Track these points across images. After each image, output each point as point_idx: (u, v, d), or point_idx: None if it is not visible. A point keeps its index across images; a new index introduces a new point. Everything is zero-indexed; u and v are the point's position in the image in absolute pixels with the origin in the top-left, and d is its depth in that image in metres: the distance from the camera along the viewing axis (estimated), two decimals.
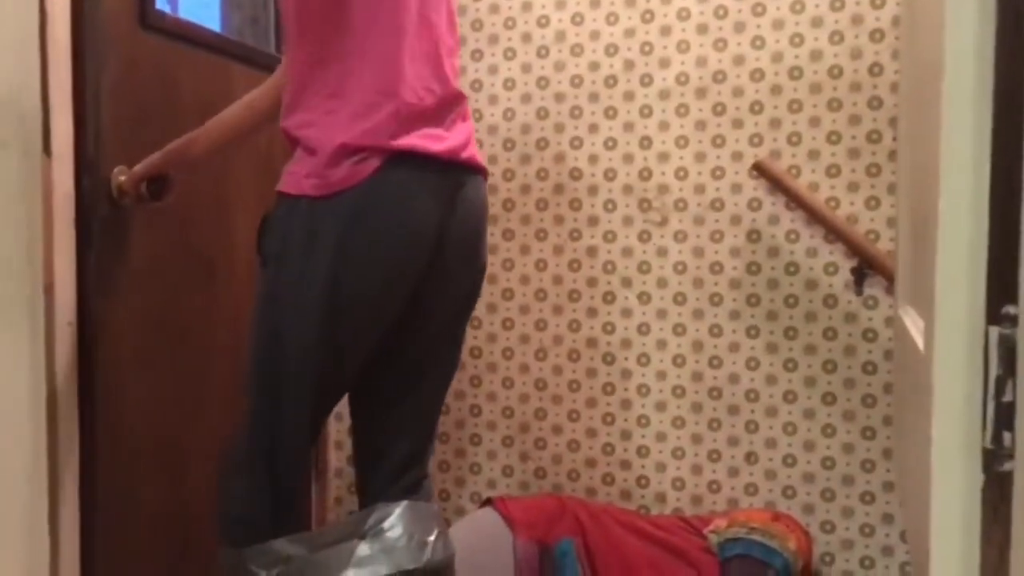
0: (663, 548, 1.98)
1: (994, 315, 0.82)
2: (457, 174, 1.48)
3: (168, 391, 1.85)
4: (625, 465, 2.27)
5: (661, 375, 2.23)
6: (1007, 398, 0.79)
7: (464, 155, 1.49)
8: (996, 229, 0.83)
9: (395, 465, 1.58)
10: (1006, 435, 0.80)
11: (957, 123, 0.82)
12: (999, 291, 0.83)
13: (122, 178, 1.70)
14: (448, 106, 1.48)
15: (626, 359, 2.26)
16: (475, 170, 1.52)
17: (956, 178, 0.81)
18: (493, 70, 2.32)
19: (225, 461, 1.53)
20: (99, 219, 1.67)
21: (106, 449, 1.68)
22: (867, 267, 2.03)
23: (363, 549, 1.47)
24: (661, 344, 2.23)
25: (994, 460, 0.82)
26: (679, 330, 2.21)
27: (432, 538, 1.50)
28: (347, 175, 1.37)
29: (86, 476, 1.64)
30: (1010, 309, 0.79)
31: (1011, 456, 0.79)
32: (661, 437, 2.24)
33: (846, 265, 2.08)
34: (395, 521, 1.49)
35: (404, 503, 1.52)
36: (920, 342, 1.15)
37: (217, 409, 1.97)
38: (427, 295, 1.50)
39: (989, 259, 0.84)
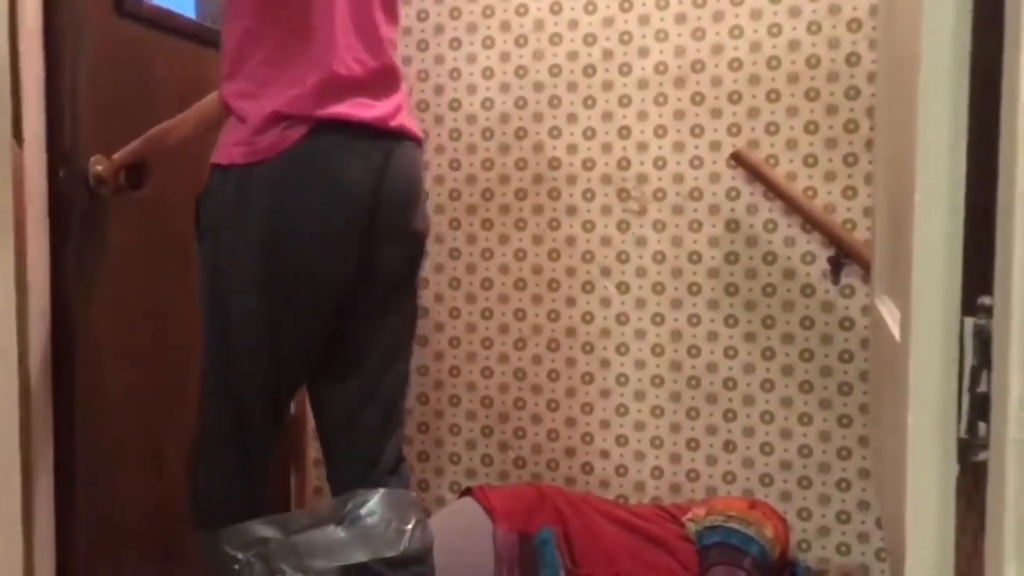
0: (642, 536, 1.99)
1: (970, 306, 0.83)
2: (387, 141, 1.49)
3: (147, 382, 1.84)
4: (604, 454, 2.28)
5: (640, 364, 2.24)
6: (982, 389, 0.80)
7: (394, 123, 1.50)
8: (972, 220, 0.84)
9: (363, 441, 1.57)
10: (981, 425, 0.81)
11: (934, 113, 0.82)
12: (975, 282, 0.84)
13: (99, 167, 1.68)
14: (380, 77, 1.51)
15: (605, 348, 2.26)
16: (406, 137, 1.54)
17: (932, 169, 0.82)
18: (471, 59, 2.31)
19: (194, 446, 1.53)
20: (77, 209, 1.65)
21: (84, 442, 1.67)
22: (844, 256, 2.04)
23: (340, 534, 1.47)
24: (640, 333, 2.23)
25: (969, 450, 0.83)
26: (657, 319, 2.22)
27: (410, 526, 1.51)
28: (274, 142, 1.39)
29: (63, 470, 1.62)
30: (985, 300, 0.79)
31: (985, 446, 0.80)
32: (640, 426, 2.24)
33: (823, 254, 2.09)
34: (373, 508, 1.50)
35: (382, 490, 1.52)
36: (896, 332, 1.16)
37: (197, 399, 1.95)
38: (366, 263, 1.50)
39: (965, 250, 0.84)
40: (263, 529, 1.45)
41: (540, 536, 1.95)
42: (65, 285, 1.62)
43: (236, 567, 1.43)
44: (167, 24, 1.88)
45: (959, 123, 0.81)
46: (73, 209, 1.63)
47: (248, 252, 1.41)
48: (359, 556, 1.45)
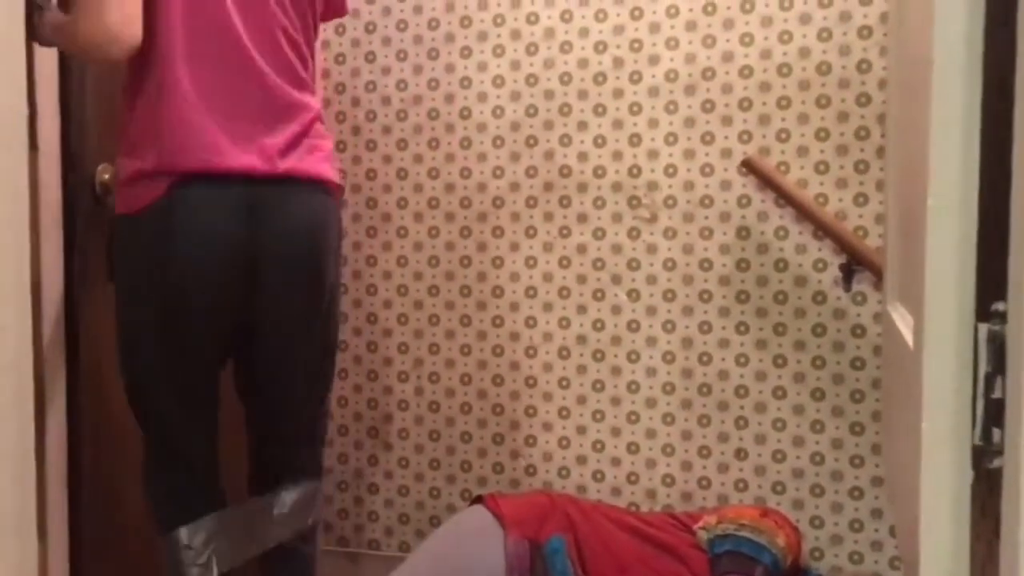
0: (653, 544, 1.98)
1: (984, 312, 0.83)
2: (262, 187, 1.54)
3: None
4: (615, 462, 2.27)
5: (651, 372, 2.23)
6: (996, 395, 0.80)
7: (279, 168, 1.56)
8: (985, 226, 0.84)
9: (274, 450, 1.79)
10: (995, 432, 0.80)
11: (946, 120, 0.82)
12: (989, 288, 0.84)
13: (106, 176, 1.69)
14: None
15: (616, 356, 2.26)
16: (295, 181, 1.59)
17: (945, 175, 0.82)
18: (482, 67, 2.31)
19: (142, 466, 1.67)
20: (83, 216, 1.65)
21: (90, 448, 1.67)
22: (855, 263, 2.04)
23: (274, 521, 1.71)
24: (651, 341, 2.23)
25: (983, 456, 0.83)
26: (669, 327, 2.21)
27: (307, 511, 1.79)
28: (143, 195, 1.48)
29: (72, 475, 1.63)
30: (999, 306, 0.79)
31: (1000, 452, 0.79)
32: (651, 434, 2.24)
33: (835, 261, 2.09)
34: (295, 501, 1.75)
35: (296, 488, 1.77)
36: (909, 339, 1.15)
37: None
38: (257, 302, 1.59)
39: (979, 256, 0.84)
40: (214, 523, 1.59)
41: (551, 544, 1.94)
42: (71, 291, 1.63)
43: (201, 561, 1.54)
44: None
45: (971, 128, 0.81)
46: (79, 216, 1.64)
47: (131, 299, 1.54)
48: (286, 534, 1.73)
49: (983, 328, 0.81)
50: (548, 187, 2.28)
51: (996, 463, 0.80)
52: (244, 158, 1.51)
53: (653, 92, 2.19)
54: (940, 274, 0.82)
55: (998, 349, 0.79)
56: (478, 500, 2.10)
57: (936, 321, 0.82)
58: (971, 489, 0.86)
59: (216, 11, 1.48)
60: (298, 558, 1.79)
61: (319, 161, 1.62)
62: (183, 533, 1.52)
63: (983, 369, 0.81)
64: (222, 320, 1.57)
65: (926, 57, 0.88)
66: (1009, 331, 0.76)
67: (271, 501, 1.71)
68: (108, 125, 1.70)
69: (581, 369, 2.28)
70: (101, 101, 1.68)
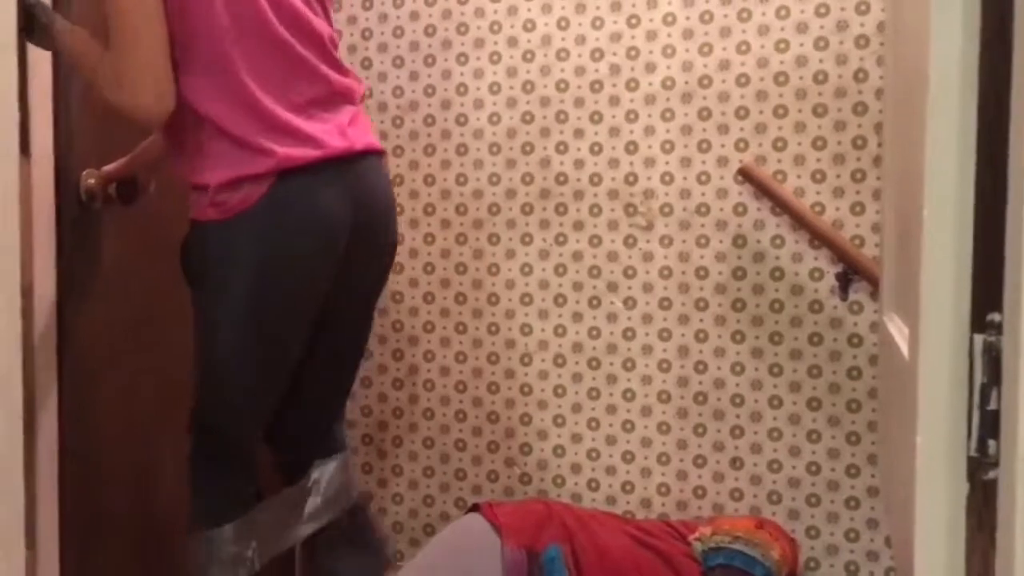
0: (649, 554, 1.97)
1: (979, 323, 0.82)
2: (350, 164, 1.57)
3: (139, 394, 1.83)
4: (610, 470, 2.26)
5: (646, 380, 2.23)
6: (992, 406, 0.79)
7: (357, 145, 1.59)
8: (982, 236, 0.83)
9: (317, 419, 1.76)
10: (991, 443, 0.80)
11: (942, 130, 0.82)
12: (985, 299, 0.83)
13: (91, 181, 1.68)
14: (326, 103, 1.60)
15: (611, 364, 2.25)
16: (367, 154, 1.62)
17: (941, 185, 0.81)
18: (478, 74, 2.31)
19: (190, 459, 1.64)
20: (69, 221, 1.65)
21: (80, 454, 1.66)
22: (852, 272, 2.03)
23: (312, 504, 1.70)
24: (647, 349, 2.22)
25: (979, 468, 0.82)
26: (664, 335, 2.21)
27: (349, 484, 1.78)
28: (243, 198, 1.47)
29: (61, 482, 1.62)
30: (995, 316, 0.79)
31: (996, 464, 0.79)
32: (646, 442, 2.23)
33: (831, 270, 2.08)
34: (331, 476, 1.73)
35: (332, 461, 1.74)
36: (905, 349, 1.15)
37: (189, 410, 1.95)
38: (342, 278, 1.60)
39: (975, 266, 0.84)
40: (259, 515, 1.60)
41: (548, 553, 1.94)
42: (58, 297, 1.62)
43: (248, 553, 1.54)
44: None
45: (967, 139, 0.81)
46: (65, 222, 1.64)
47: (233, 302, 1.50)
48: (327, 517, 1.72)
49: (979, 339, 0.80)
50: (544, 194, 2.28)
51: (992, 475, 0.80)
52: (331, 141, 1.54)
53: (650, 100, 2.19)
54: (935, 284, 0.81)
55: (993, 360, 0.79)
56: (475, 509, 2.09)
57: (931, 332, 0.82)
58: (967, 501, 0.85)
59: (255, 13, 1.49)
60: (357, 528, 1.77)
61: (374, 134, 1.70)
62: (228, 530, 1.53)
63: (979, 380, 0.80)
64: (319, 303, 1.59)
65: (923, 69, 0.88)
66: (1005, 342, 0.75)
67: (305, 486, 1.70)
68: (93, 130, 1.69)
69: (576, 377, 2.28)
70: (87, 105, 1.67)
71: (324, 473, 1.72)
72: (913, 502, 0.86)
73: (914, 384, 0.86)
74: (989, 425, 0.80)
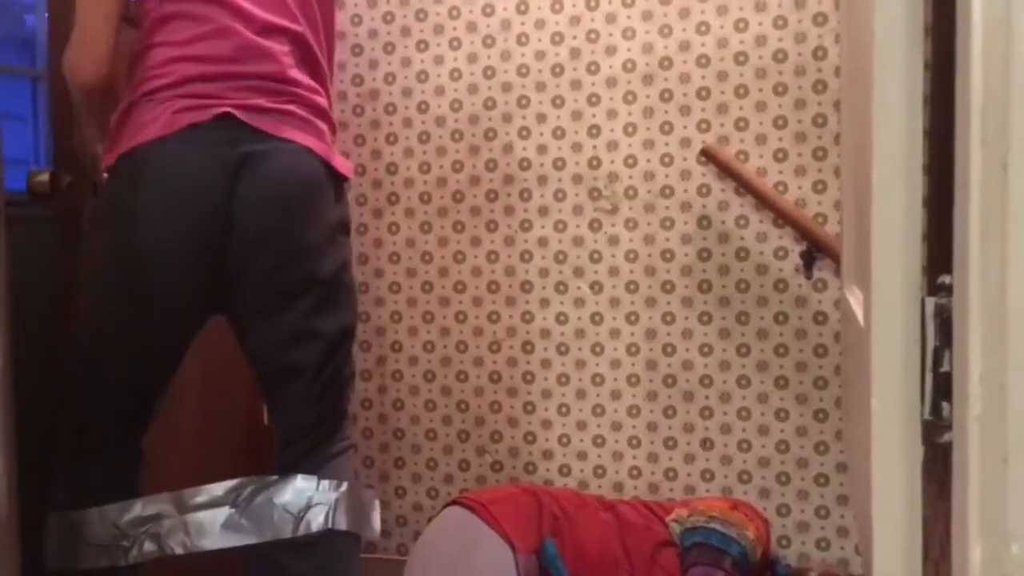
0: (629, 537, 1.96)
1: (933, 286, 0.82)
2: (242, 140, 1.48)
3: None
4: (582, 455, 2.26)
5: (615, 364, 2.22)
6: (944, 368, 0.79)
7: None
8: (936, 200, 0.83)
9: (283, 433, 1.61)
10: (945, 406, 0.79)
11: (889, 92, 0.81)
12: (939, 262, 0.83)
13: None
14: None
15: (580, 349, 2.24)
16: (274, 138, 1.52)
17: (888, 148, 0.81)
18: (439, 61, 2.29)
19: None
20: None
21: (36, 464, 1.63)
22: (816, 250, 2.04)
23: (234, 517, 1.50)
24: (614, 333, 2.22)
25: (934, 431, 0.82)
26: (632, 318, 2.20)
27: (307, 512, 1.52)
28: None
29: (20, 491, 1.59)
30: (945, 279, 0.78)
31: (950, 427, 0.78)
32: (616, 426, 2.23)
33: (796, 249, 2.09)
34: (270, 494, 1.52)
35: (275, 477, 1.54)
36: (861, 316, 1.15)
37: (188, 414, 1.95)
38: (231, 270, 1.51)
39: (928, 230, 0.83)
40: (152, 506, 1.49)
41: (547, 550, 1.89)
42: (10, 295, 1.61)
43: (125, 543, 1.46)
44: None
45: (914, 99, 0.80)
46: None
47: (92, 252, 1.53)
48: (251, 539, 1.49)
49: (930, 302, 0.80)
50: (508, 180, 2.26)
51: (946, 437, 0.79)
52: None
53: (611, 83, 2.18)
54: (886, 248, 0.81)
55: (945, 322, 0.78)
56: (457, 503, 2.00)
57: (883, 295, 0.82)
58: (928, 467, 0.85)
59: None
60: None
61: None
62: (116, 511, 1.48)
63: (931, 343, 0.80)
64: (189, 270, 1.53)
65: (870, 39, 0.87)
66: (955, 303, 0.75)
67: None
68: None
69: (545, 363, 2.27)
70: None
71: (259, 491, 1.53)
72: (870, 468, 0.85)
73: (868, 349, 0.86)
74: (943, 388, 0.79)
